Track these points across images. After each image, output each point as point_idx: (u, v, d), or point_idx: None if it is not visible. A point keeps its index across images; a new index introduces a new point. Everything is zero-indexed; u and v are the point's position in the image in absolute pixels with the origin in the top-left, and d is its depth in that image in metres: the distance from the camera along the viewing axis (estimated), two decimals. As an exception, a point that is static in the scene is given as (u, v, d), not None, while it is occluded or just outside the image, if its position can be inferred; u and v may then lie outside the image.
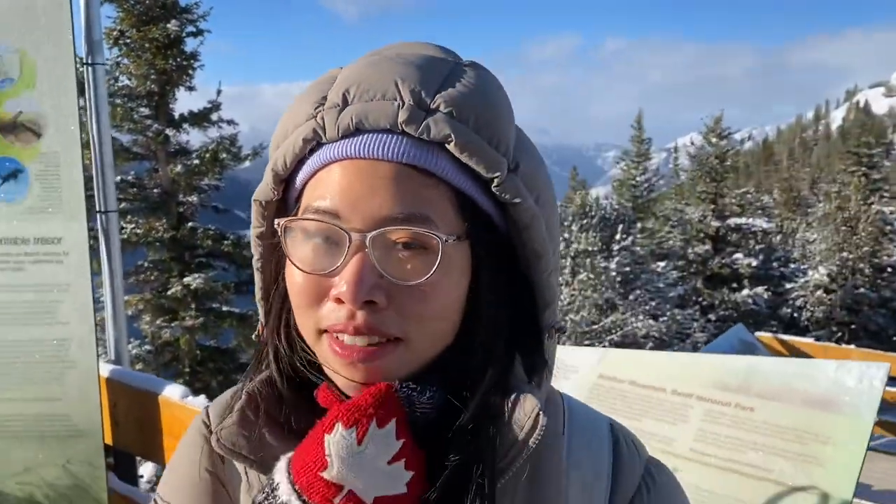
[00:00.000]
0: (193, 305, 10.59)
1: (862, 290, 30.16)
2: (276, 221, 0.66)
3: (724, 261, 24.83)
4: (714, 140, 25.11)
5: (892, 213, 31.88)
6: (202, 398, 2.06)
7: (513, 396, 0.66)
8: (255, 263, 0.73)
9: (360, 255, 0.61)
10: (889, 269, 31.58)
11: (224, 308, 11.14)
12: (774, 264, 27.63)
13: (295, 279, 0.65)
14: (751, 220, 25.93)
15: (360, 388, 0.64)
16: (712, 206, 24.80)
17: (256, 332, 0.77)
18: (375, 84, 0.63)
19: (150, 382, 2.22)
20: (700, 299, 25.37)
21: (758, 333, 6.98)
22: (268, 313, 0.73)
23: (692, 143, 27.37)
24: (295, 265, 0.64)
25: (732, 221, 25.27)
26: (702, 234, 24.90)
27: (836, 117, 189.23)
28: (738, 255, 25.22)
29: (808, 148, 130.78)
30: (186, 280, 10.13)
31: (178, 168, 9.83)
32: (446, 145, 0.62)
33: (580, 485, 0.70)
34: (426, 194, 0.62)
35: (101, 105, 2.36)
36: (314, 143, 0.64)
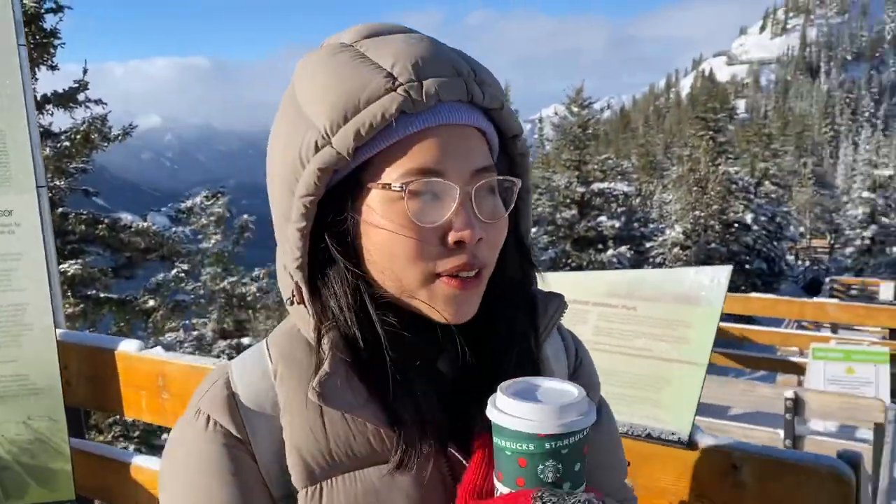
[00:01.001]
0: (70, 293, 10.20)
1: (713, 245, 32.75)
2: (394, 185, 0.75)
3: (589, 224, 26.26)
4: (576, 110, 26.38)
5: (736, 172, 34.67)
6: (158, 349, 2.26)
7: (535, 289, 0.92)
8: (302, 230, 0.77)
9: (468, 203, 0.75)
10: (736, 225, 34.43)
11: (102, 294, 10.79)
12: (635, 225, 29.56)
13: (403, 234, 0.75)
14: (612, 184, 27.56)
15: (461, 313, 0.78)
16: (577, 173, 26.16)
17: (290, 298, 0.82)
18: (437, 63, 0.77)
19: (102, 340, 2.39)
20: (570, 261, 26.72)
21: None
22: (318, 278, 0.80)
23: (556, 114, 28.58)
24: (413, 220, 0.74)
25: (596, 186, 26.72)
26: (568, 200, 26.22)
27: (685, 85, 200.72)
28: (603, 218, 26.79)
29: (661, 115, 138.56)
30: (62, 267, 9.75)
31: (46, 151, 9.38)
32: (495, 111, 0.81)
33: (553, 353, 0.97)
34: (487, 150, 0.80)
35: (26, 85, 2.46)
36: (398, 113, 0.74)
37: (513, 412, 0.67)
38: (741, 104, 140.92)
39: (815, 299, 6.72)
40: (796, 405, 4.45)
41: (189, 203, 10.78)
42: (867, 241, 34.03)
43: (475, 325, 0.81)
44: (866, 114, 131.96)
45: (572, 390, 0.71)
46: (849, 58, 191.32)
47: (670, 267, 33.88)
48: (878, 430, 4.15)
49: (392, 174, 0.75)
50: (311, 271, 0.79)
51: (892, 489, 3.70)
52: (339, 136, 0.74)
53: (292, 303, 0.82)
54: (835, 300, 6.72)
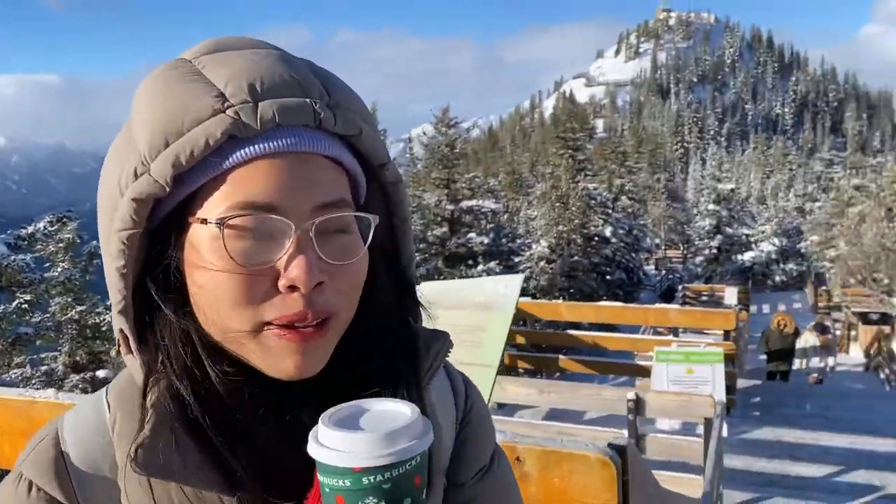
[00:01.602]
0: None
1: (576, 257, 34.19)
2: (210, 220, 0.65)
3: (460, 241, 26.73)
4: (444, 129, 26.86)
5: (595, 188, 36.48)
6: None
7: (416, 328, 0.81)
8: (120, 269, 0.68)
9: (305, 242, 0.65)
10: (596, 238, 36.17)
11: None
12: (503, 240, 30.45)
13: (227, 277, 0.65)
14: (481, 202, 28.30)
15: (298, 369, 0.67)
16: (446, 191, 26.59)
17: (118, 348, 0.73)
18: (280, 82, 0.67)
19: None
20: (442, 277, 27.08)
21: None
22: (145, 323, 0.70)
23: (424, 133, 29.01)
24: (234, 261, 0.64)
25: (465, 204, 27.26)
26: (439, 218, 26.60)
27: (548, 106, 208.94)
28: (472, 235, 27.36)
29: (526, 134, 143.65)
30: None
31: None
32: (353, 137, 0.70)
33: (439, 398, 0.85)
34: (342, 182, 0.70)
35: None
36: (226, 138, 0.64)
37: (329, 443, 0.59)
38: (600, 124, 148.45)
39: (658, 305, 7.21)
40: (637, 406, 4.75)
41: (31, 229, 10.03)
42: (714, 251, 36.69)
43: (342, 373, 0.72)
44: (711, 132, 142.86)
45: (405, 411, 0.62)
46: (695, 80, 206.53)
47: (537, 281, 35.10)
48: (708, 424, 4.51)
49: (214, 208, 0.65)
50: (138, 316, 0.70)
51: (716, 477, 4.03)
52: (158, 163, 0.65)
53: (118, 352, 0.72)
54: (675, 306, 7.25)
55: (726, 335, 6.97)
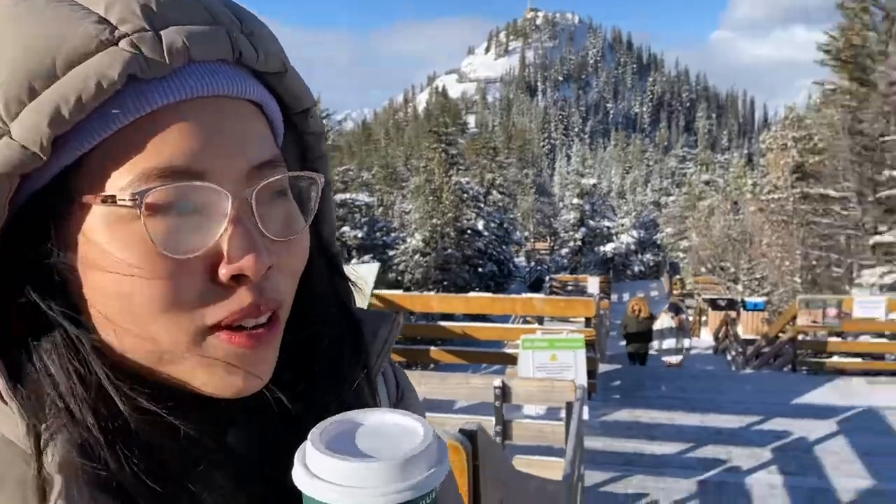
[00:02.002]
0: None
1: (449, 250, 34.75)
2: (121, 196, 0.47)
3: (333, 234, 26.46)
4: (315, 121, 26.44)
5: (467, 182, 37.14)
6: None
7: (357, 309, 0.66)
8: None
9: (246, 216, 0.50)
10: (468, 231, 36.86)
11: None
12: (378, 234, 30.48)
13: (148, 273, 0.48)
14: (354, 195, 28.15)
15: (252, 381, 0.52)
16: (319, 184, 26.24)
17: None
18: (182, 4, 0.50)
19: None
20: (315, 272, 26.69)
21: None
22: (20, 352, 0.50)
23: (295, 125, 28.45)
24: (159, 250, 0.47)
25: (338, 197, 26.97)
26: (312, 211, 26.22)
27: (421, 100, 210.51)
28: (346, 228, 27.22)
29: (401, 128, 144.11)
30: None
31: None
32: (275, 76, 0.55)
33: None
34: (268, 134, 0.54)
35: None
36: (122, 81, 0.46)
37: (331, 477, 0.42)
38: (472, 119, 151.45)
39: (524, 295, 7.41)
40: (504, 393, 4.85)
41: None
42: (578, 243, 38.37)
43: (277, 374, 0.55)
44: (576, 129, 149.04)
45: (416, 427, 0.47)
46: (561, 79, 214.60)
47: (412, 274, 35.32)
48: (569, 407, 4.68)
49: (119, 179, 0.47)
50: (6, 342, 0.49)
51: (577, 459, 4.19)
52: (24, 121, 0.46)
53: None
54: (540, 296, 7.47)
55: (587, 322, 7.27)
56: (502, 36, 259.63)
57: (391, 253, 35.52)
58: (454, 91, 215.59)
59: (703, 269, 29.33)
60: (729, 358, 15.11)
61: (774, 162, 16.98)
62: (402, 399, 0.75)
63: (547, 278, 35.20)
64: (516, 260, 49.41)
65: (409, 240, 36.10)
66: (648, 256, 42.24)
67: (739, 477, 5.72)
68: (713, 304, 20.14)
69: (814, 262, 14.20)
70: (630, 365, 12.17)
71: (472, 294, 7.36)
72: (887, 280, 10.59)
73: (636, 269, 42.27)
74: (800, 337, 9.62)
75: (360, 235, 27.52)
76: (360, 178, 30.81)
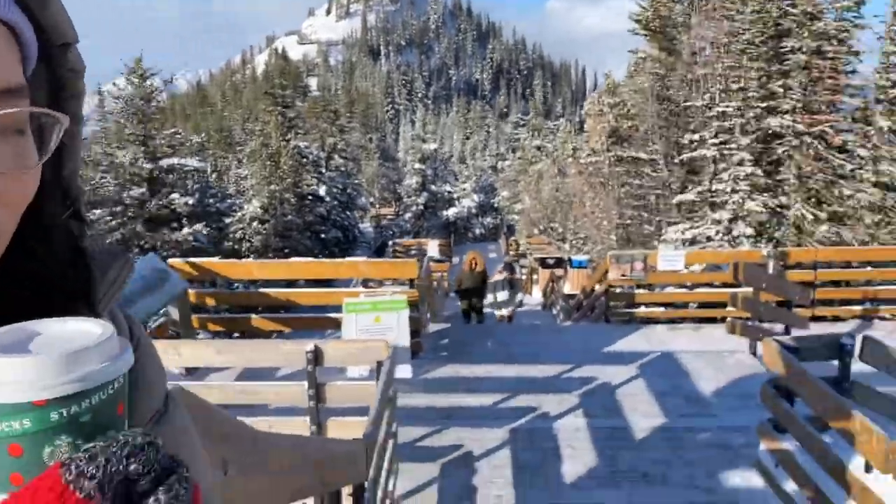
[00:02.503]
0: None
1: (290, 217, 33.95)
2: None
3: (161, 202, 24.97)
4: (137, 81, 24.62)
5: (306, 147, 36.30)
6: None
7: (87, 250, 0.64)
8: None
9: None
10: (309, 197, 36.16)
11: None
12: (211, 201, 29.11)
13: None
14: (184, 160, 26.62)
15: None
16: (143, 148, 24.56)
17: None
18: None
19: None
20: (143, 243, 25.13)
21: (170, 260, 7.40)
22: None
23: (115, 85, 26.39)
24: None
25: (165, 162, 25.46)
26: (136, 178, 24.52)
27: (261, 62, 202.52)
28: (175, 196, 25.72)
29: (239, 91, 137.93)
30: None
31: None
32: (40, 3, 0.53)
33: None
34: (15, 59, 0.51)
35: None
36: None
37: None
38: (314, 82, 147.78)
39: (348, 259, 7.36)
40: (316, 357, 4.79)
41: None
42: (421, 207, 38.78)
43: None
44: (420, 94, 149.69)
45: (93, 329, 0.45)
46: (403, 43, 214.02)
47: (250, 242, 34.22)
48: (380, 366, 4.71)
49: None
50: None
51: (385, 416, 4.24)
52: None
53: None
54: (363, 258, 7.44)
55: (412, 283, 7.35)
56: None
57: (227, 220, 34.19)
58: (295, 53, 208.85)
59: (536, 231, 30.66)
60: (554, 312, 15.94)
61: (593, 127, 17.99)
62: (140, 346, 0.70)
63: (390, 243, 35.39)
64: (361, 226, 49.30)
65: (246, 206, 34.88)
66: (488, 219, 43.54)
67: (548, 422, 6.06)
68: (542, 262, 21.13)
69: (628, 221, 15.31)
70: (464, 322, 12.49)
71: (294, 259, 7.17)
72: (688, 235, 11.59)
73: (477, 231, 43.48)
74: (612, 290, 10.29)
75: (190, 203, 26.12)
76: (189, 141, 29.12)
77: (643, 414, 6.22)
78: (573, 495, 4.95)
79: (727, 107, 11.62)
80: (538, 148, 36.62)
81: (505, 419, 6.13)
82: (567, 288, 16.38)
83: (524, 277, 22.96)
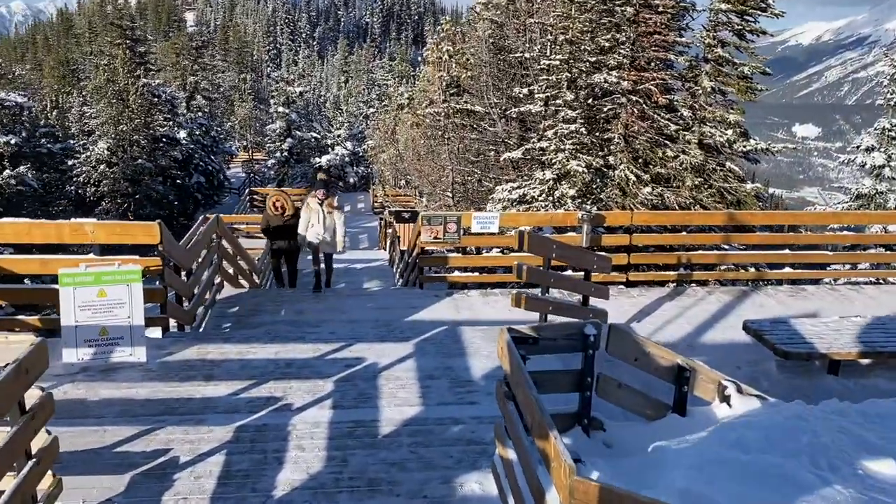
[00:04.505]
0: None
1: (140, 160, 31.43)
2: None
3: (-28, 141, 22.23)
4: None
5: (159, 84, 33.53)
6: None
7: None
8: None
9: None
10: (164, 140, 33.59)
11: None
12: (43, 141, 26.20)
13: None
14: (2, 94, 23.69)
15: None
16: (-49, 79, 21.64)
17: None
18: None
19: None
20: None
21: None
22: None
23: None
24: None
25: (-22, 96, 22.59)
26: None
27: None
28: (-7, 134, 22.98)
29: (112, 22, 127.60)
30: None
31: None
32: None
33: None
34: None
35: None
36: None
37: None
38: (190, 17, 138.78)
39: (74, 220, 6.17)
40: None
41: None
42: (286, 154, 36.90)
43: None
44: (304, 35, 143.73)
45: None
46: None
47: (96, 187, 31.56)
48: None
49: None
50: None
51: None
52: None
53: None
54: (92, 220, 6.27)
55: (153, 250, 6.28)
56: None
57: (70, 163, 31.26)
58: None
59: (403, 182, 29.78)
60: (395, 270, 15.22)
61: (433, 75, 17.11)
62: None
63: (247, 191, 33.51)
64: (231, 171, 46.70)
65: (92, 148, 32.00)
66: (362, 168, 42.24)
67: (287, 416, 5.24)
68: (398, 216, 20.28)
69: (467, 178, 14.66)
70: (276, 286, 11.37)
71: (4, 220, 5.91)
72: (515, 195, 11.03)
73: (351, 181, 42.11)
74: (424, 253, 9.58)
75: (14, 142, 23.37)
76: (11, 73, 25.83)
77: (399, 402, 5.51)
78: (271, 515, 4.18)
79: (554, 60, 10.99)
80: (410, 98, 35.31)
81: (236, 413, 5.27)
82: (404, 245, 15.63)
83: (378, 231, 22.10)
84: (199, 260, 8.30)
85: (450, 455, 4.78)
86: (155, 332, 6.70)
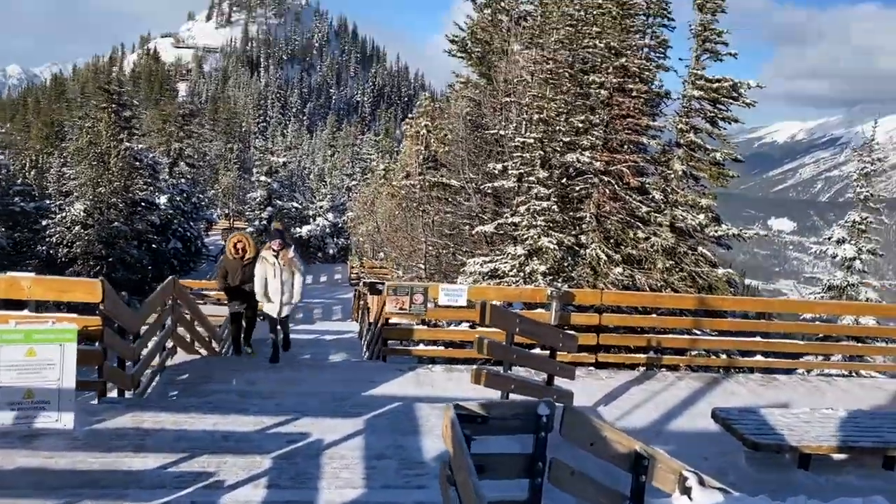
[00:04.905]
0: None
1: (117, 224, 31.13)
2: None
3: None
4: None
5: (142, 149, 33.59)
6: None
7: None
8: None
9: None
10: (142, 204, 33.41)
11: None
12: (17, 199, 25.87)
13: None
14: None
15: None
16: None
17: None
18: None
19: None
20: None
21: None
22: None
23: None
24: None
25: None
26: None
27: (131, 61, 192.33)
28: (-35, 191, 22.69)
29: (104, 88, 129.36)
30: None
31: None
32: None
33: None
34: None
35: None
36: None
37: None
38: (183, 87, 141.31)
39: (12, 274, 5.87)
40: None
41: None
42: (265, 222, 36.76)
43: None
44: (294, 109, 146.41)
45: None
46: (285, 58, 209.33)
47: (69, 248, 31.09)
48: None
49: None
50: None
51: None
52: None
53: None
54: (31, 274, 5.96)
55: (94, 309, 5.94)
56: (225, 5, 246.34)
57: (45, 223, 30.88)
58: (169, 55, 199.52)
59: (381, 255, 29.60)
60: (363, 342, 14.84)
61: (410, 149, 17.22)
62: None
63: (221, 258, 33.20)
64: (210, 238, 46.40)
65: (68, 209, 31.70)
66: (342, 240, 42.18)
67: (216, 495, 4.82)
68: (371, 287, 19.95)
69: (441, 250, 14.53)
70: (233, 353, 10.87)
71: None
72: (486, 269, 10.86)
73: (330, 251, 41.96)
74: (388, 325, 9.28)
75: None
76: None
77: (341, 484, 5.11)
78: None
79: (528, 138, 11.03)
80: (384, 169, 35.70)
81: (162, 489, 4.84)
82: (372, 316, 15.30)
83: (352, 303, 21.79)
84: (150, 322, 7.95)
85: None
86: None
